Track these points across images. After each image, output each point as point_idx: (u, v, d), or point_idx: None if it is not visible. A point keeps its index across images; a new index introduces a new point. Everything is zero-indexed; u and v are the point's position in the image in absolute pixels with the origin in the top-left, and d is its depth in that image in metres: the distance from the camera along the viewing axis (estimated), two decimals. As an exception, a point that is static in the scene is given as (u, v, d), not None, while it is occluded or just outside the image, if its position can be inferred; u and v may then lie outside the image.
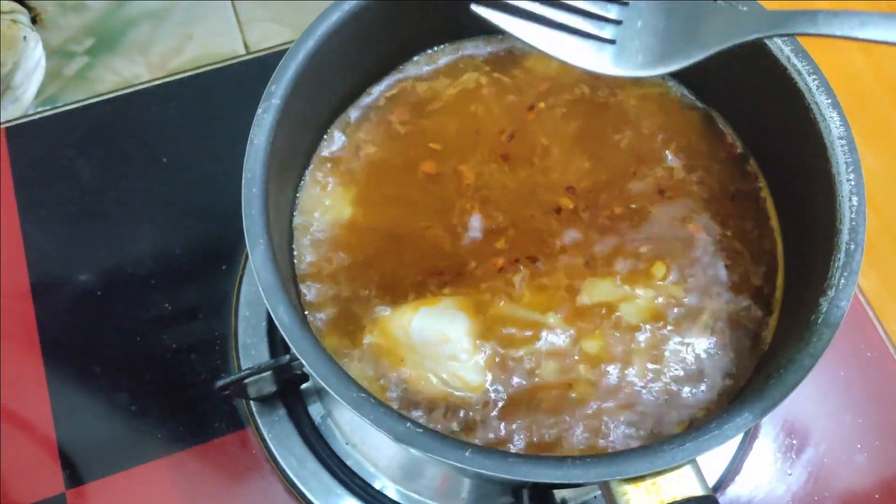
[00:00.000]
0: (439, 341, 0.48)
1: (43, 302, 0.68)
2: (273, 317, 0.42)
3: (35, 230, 0.71)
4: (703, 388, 0.48)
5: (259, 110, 0.46)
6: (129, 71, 0.83)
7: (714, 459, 0.61)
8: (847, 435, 0.64)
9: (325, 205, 0.53)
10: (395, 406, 0.47)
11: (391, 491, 0.62)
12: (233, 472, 0.61)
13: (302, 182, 0.54)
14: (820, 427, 0.64)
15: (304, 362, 0.40)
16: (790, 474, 0.63)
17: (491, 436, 0.47)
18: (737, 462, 0.62)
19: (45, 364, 0.65)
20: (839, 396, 0.65)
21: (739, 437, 0.63)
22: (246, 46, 0.85)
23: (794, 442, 0.63)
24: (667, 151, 0.55)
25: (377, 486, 0.61)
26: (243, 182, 0.44)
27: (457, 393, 0.48)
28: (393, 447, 0.61)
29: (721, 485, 0.61)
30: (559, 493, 0.63)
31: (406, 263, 0.51)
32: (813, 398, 0.65)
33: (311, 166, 0.55)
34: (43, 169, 0.73)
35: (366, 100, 0.57)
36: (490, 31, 0.58)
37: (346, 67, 0.53)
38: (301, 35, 0.49)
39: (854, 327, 0.68)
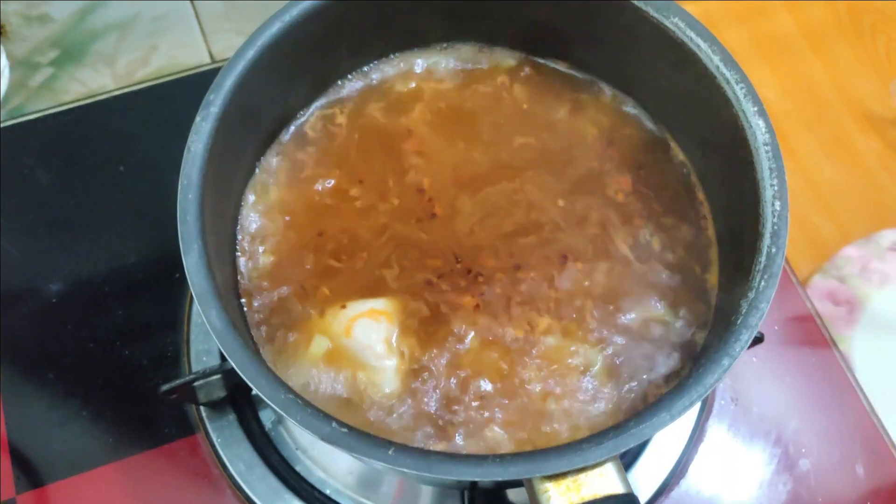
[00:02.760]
0: (366, 346, 0.49)
1: (-2, 309, 0.68)
2: (205, 321, 0.42)
3: (-7, 239, 0.71)
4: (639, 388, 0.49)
5: (197, 118, 0.47)
6: (95, 82, 0.84)
7: (659, 462, 0.62)
8: (792, 440, 0.64)
9: (266, 210, 0.54)
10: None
11: (341, 496, 0.62)
12: (182, 476, 0.61)
13: (247, 187, 0.55)
14: (766, 432, 0.64)
15: (233, 365, 0.41)
16: (735, 477, 0.63)
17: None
18: (682, 465, 0.62)
19: (-1, 370, 0.65)
20: (785, 402, 0.66)
21: (686, 438, 0.64)
22: (212, 57, 0.86)
23: (741, 446, 0.64)
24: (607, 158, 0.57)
25: (327, 491, 0.62)
26: (179, 188, 0.45)
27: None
28: (343, 453, 0.62)
29: (666, 488, 0.62)
30: (512, 498, 0.63)
31: (345, 266, 0.52)
32: (759, 403, 0.65)
33: (256, 173, 0.55)
34: (2, 178, 0.73)
35: (310, 109, 0.58)
36: (419, 44, 0.60)
37: (287, 78, 0.54)
38: (242, 45, 0.50)
39: (803, 335, 0.69)
